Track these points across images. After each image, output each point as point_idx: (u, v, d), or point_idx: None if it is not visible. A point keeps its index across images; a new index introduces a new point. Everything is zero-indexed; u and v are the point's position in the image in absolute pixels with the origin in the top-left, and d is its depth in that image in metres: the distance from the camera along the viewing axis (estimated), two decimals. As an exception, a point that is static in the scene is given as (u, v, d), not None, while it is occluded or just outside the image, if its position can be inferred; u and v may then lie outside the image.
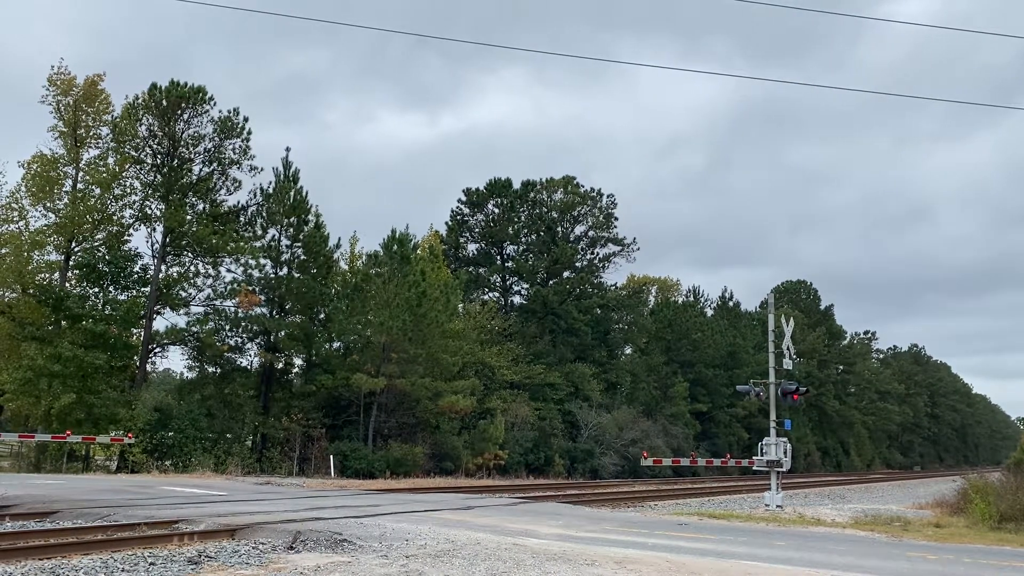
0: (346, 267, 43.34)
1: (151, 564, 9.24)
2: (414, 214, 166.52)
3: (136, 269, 36.61)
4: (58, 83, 35.28)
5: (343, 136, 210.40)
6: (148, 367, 38.19)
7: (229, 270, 38.42)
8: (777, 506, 23.51)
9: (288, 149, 52.34)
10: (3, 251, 34.71)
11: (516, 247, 58.14)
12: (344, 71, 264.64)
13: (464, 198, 57.96)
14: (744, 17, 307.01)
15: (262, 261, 37.94)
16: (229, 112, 38.15)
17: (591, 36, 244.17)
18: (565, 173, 59.81)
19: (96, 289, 35.45)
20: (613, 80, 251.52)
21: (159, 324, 37.61)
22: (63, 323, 34.13)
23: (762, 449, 24.39)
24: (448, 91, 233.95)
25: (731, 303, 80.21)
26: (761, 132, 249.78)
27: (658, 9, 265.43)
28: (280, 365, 39.44)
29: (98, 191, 36.00)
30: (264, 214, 39.06)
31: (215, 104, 37.69)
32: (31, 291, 34.70)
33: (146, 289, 36.71)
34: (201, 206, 38.69)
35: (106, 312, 34.39)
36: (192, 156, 38.26)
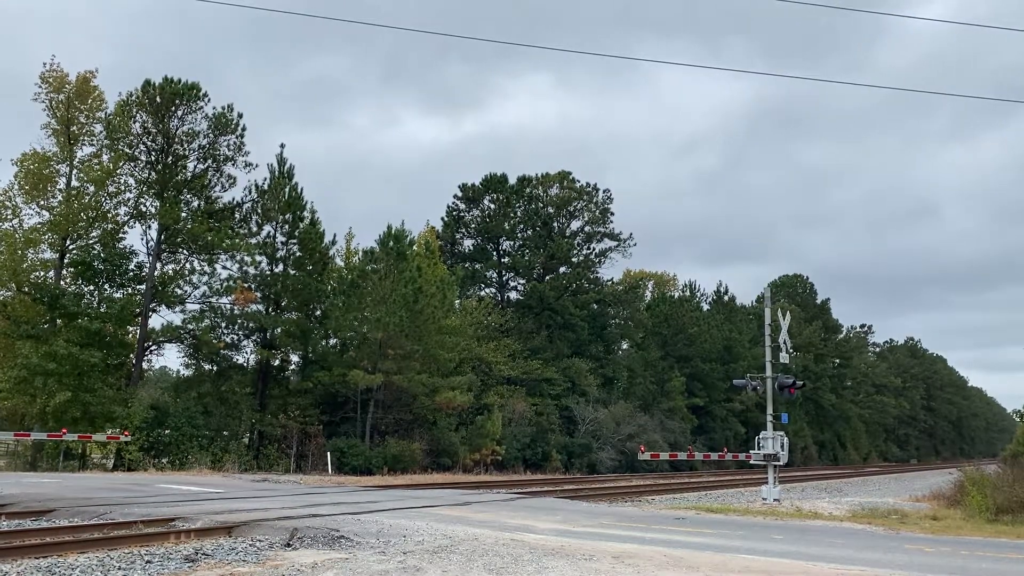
0: (342, 264, 43.23)
1: (147, 562, 9.20)
2: (425, 216, 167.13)
3: (131, 267, 36.47)
4: (50, 80, 35.04)
5: (366, 139, 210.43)
6: (144, 365, 38.05)
7: (224, 267, 38.35)
8: (774, 500, 23.55)
9: (283, 146, 52.45)
10: (-3, 249, 34.54)
11: (512, 243, 57.98)
12: (368, 75, 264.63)
13: (460, 194, 57.84)
14: (764, 21, 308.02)
15: (257, 258, 37.85)
16: (223, 108, 38.02)
17: (614, 41, 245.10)
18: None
19: (91, 287, 35.32)
20: (634, 83, 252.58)
21: (155, 322, 37.50)
22: (58, 321, 33.99)
23: (759, 443, 24.44)
24: (471, 95, 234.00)
25: (726, 297, 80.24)
26: (775, 133, 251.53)
27: (680, 13, 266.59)
28: (276, 362, 39.36)
29: (92, 188, 35.79)
30: (259, 211, 38.93)
31: (209, 100, 37.59)
32: (26, 289, 34.55)
33: (141, 287, 36.59)
34: (196, 203, 38.56)
35: (101, 310, 34.28)
36: (186, 153, 38.07)
